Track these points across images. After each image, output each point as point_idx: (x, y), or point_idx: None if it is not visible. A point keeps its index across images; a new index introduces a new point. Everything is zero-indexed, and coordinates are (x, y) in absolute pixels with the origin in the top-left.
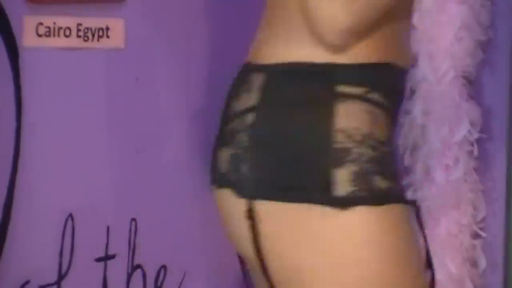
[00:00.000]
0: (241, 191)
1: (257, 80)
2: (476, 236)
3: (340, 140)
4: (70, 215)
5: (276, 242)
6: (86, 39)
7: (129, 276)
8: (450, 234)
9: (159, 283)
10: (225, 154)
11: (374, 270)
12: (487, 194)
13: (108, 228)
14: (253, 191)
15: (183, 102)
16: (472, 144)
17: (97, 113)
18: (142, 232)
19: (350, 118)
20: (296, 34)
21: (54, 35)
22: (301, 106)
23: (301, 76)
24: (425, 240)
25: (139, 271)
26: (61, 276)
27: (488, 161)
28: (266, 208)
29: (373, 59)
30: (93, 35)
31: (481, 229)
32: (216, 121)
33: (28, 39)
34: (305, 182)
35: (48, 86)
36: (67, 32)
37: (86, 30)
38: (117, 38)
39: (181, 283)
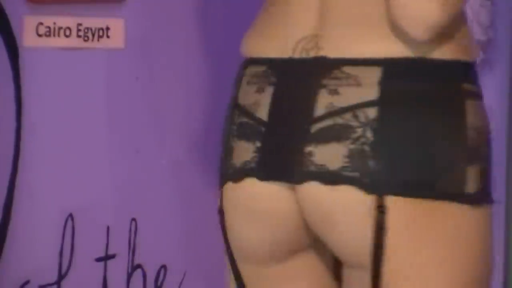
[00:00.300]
0: (370, 187)
1: (371, 74)
2: None
3: (473, 138)
4: (70, 215)
5: (403, 238)
6: (86, 39)
7: (129, 276)
8: None
9: (159, 283)
10: (334, 151)
11: (486, 268)
12: None
13: (108, 228)
14: (384, 186)
15: (183, 102)
16: None
17: (97, 113)
18: (142, 232)
19: (478, 116)
20: (393, 29)
21: (54, 35)
22: (429, 102)
23: (427, 72)
24: None
25: (139, 271)
26: (61, 276)
27: None
28: (396, 204)
29: (467, 57)
30: (93, 35)
31: None
32: (216, 121)
33: (28, 39)
34: (439, 179)
35: (48, 86)
36: (67, 32)
37: (86, 30)
38: (117, 38)
39: (181, 283)
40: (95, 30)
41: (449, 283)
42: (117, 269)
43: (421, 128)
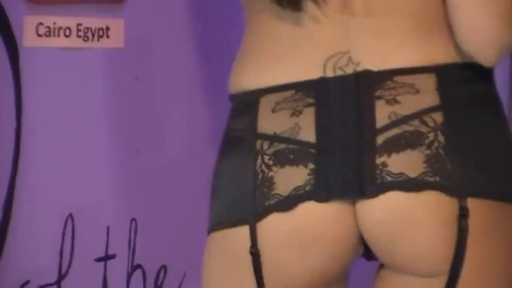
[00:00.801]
0: (453, 190)
1: (426, 81)
2: None
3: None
4: (70, 215)
5: (485, 242)
6: (86, 39)
7: (129, 276)
8: None
9: (159, 283)
10: (409, 158)
11: None
12: None
13: (108, 228)
14: (466, 188)
15: (183, 102)
16: None
17: (97, 113)
18: (142, 232)
19: (505, 117)
20: (439, 36)
21: (54, 35)
22: (485, 105)
23: (468, 76)
24: None
25: (139, 271)
26: (61, 276)
27: None
28: (478, 207)
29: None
30: (93, 35)
31: None
32: (216, 120)
33: (28, 39)
34: (505, 181)
35: (48, 86)
36: (67, 32)
37: (86, 30)
38: (117, 38)
39: (181, 283)
40: (95, 30)
41: None
42: (117, 269)
43: (483, 131)
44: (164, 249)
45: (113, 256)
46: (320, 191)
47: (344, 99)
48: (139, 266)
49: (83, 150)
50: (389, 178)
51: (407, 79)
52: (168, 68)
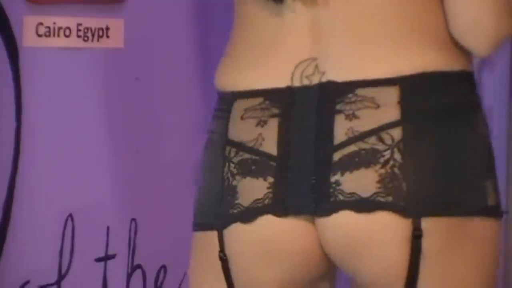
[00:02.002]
0: (406, 211)
1: (389, 94)
2: None
3: (486, 148)
4: (70, 215)
5: (440, 259)
6: (86, 39)
7: (129, 276)
8: None
9: (159, 283)
10: (363, 177)
11: (496, 275)
12: None
13: (108, 228)
14: (420, 209)
15: (183, 102)
16: None
17: (97, 113)
18: (142, 232)
19: (485, 127)
20: (410, 43)
21: (54, 35)
22: (448, 117)
23: (442, 87)
24: None
25: (139, 271)
26: (61, 276)
27: None
28: (432, 225)
29: (470, 67)
30: (93, 35)
31: None
32: None
33: (28, 39)
34: (466, 194)
35: (48, 86)
36: (67, 32)
37: (86, 30)
38: (117, 38)
39: (181, 283)
40: (95, 30)
41: None
42: (117, 269)
43: (445, 144)
44: (164, 249)
45: (113, 256)
46: (277, 206)
47: (306, 112)
48: (139, 266)
49: (83, 150)
50: (341, 197)
51: (369, 92)
52: (168, 68)
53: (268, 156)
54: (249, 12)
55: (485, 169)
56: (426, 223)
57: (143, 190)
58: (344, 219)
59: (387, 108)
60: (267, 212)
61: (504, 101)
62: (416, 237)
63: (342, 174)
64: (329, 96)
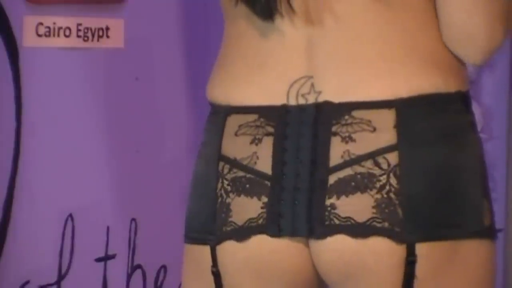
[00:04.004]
0: (401, 237)
1: (385, 117)
2: None
3: (481, 169)
4: (70, 215)
5: (431, 282)
6: (86, 39)
7: (129, 276)
8: None
9: (159, 283)
10: (359, 202)
11: None
12: None
13: (108, 228)
14: (416, 234)
15: (183, 102)
16: None
17: (97, 113)
18: (142, 232)
19: (479, 145)
20: (404, 63)
21: (54, 35)
22: (444, 140)
23: (438, 109)
24: None
25: (139, 271)
26: (61, 276)
27: (488, 161)
28: (426, 250)
29: (466, 87)
30: (93, 35)
31: None
32: None
33: (28, 39)
34: (463, 217)
35: (48, 86)
36: (67, 32)
37: (86, 30)
38: (117, 38)
39: (181, 283)
40: (95, 30)
41: None
42: (117, 269)
43: (442, 166)
44: (164, 249)
45: (113, 256)
46: (271, 226)
47: (302, 133)
48: (139, 266)
49: (83, 150)
50: (336, 221)
51: (365, 114)
52: (168, 68)
53: (263, 175)
54: (241, 26)
55: (480, 189)
56: (421, 249)
57: (143, 190)
58: (339, 243)
59: (384, 131)
60: (261, 232)
61: (504, 101)
62: (410, 262)
63: (338, 198)
64: (325, 117)
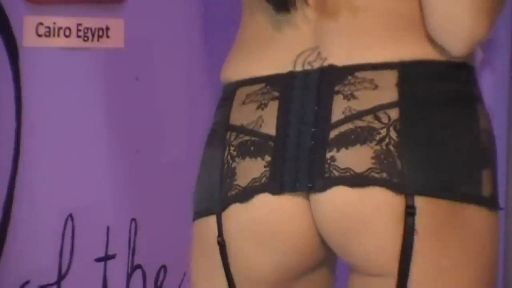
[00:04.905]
0: (399, 187)
1: (387, 77)
2: None
3: (484, 141)
4: (70, 215)
5: (433, 241)
6: (86, 39)
7: (129, 276)
8: None
9: (159, 283)
10: (359, 153)
11: (495, 273)
12: None
13: (108, 228)
14: (414, 186)
15: (183, 102)
16: None
17: (97, 113)
18: (142, 232)
19: (485, 119)
20: (410, 32)
21: (54, 35)
22: (447, 104)
23: (441, 74)
24: None
25: (139, 271)
26: (61, 276)
27: None
28: (425, 205)
29: (471, 61)
30: (93, 35)
31: None
32: None
33: (28, 39)
34: (460, 180)
35: (48, 86)
36: (67, 32)
37: (86, 30)
38: (117, 38)
39: (181, 283)
40: (95, 30)
41: (472, 286)
42: (117, 269)
43: (442, 129)
44: (164, 249)
45: (113, 256)
46: (273, 183)
47: (306, 94)
48: (139, 266)
49: (83, 150)
50: (336, 173)
51: (368, 74)
52: (168, 68)
53: (267, 137)
54: (256, 15)
55: (480, 159)
56: (420, 202)
57: (143, 190)
58: (338, 194)
59: (385, 89)
60: (263, 191)
61: (504, 101)
62: (409, 214)
63: (338, 150)
64: (329, 79)
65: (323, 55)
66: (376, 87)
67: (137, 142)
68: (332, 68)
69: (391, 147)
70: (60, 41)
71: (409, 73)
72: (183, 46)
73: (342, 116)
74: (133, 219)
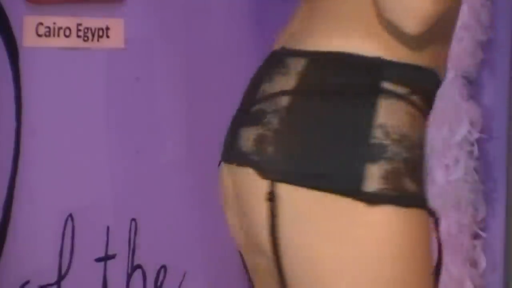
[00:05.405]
0: (264, 172)
1: (296, 64)
2: (476, 236)
3: (378, 136)
4: (70, 215)
5: (295, 228)
6: (86, 39)
7: (129, 276)
8: (450, 234)
9: (159, 283)
10: (249, 134)
11: (390, 270)
12: (487, 194)
13: (108, 228)
14: (277, 173)
15: (183, 102)
16: (472, 144)
17: (97, 113)
18: (142, 232)
19: (391, 116)
20: (343, 25)
21: (54, 35)
22: (342, 96)
23: (345, 67)
24: (439, 249)
25: (139, 271)
26: (61, 276)
27: (488, 161)
28: (288, 192)
29: (419, 62)
30: (93, 35)
31: (481, 229)
32: (216, 120)
33: (28, 39)
34: (336, 172)
35: (48, 86)
36: (67, 32)
37: (86, 30)
38: (117, 38)
39: (181, 283)
40: (95, 30)
41: (341, 277)
42: (117, 269)
43: (326, 121)
44: (164, 249)
45: (113, 256)
46: (222, 153)
47: (259, 72)
48: (139, 266)
49: (83, 150)
50: (234, 150)
51: (292, 60)
52: (168, 68)
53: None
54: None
55: (365, 154)
56: (281, 189)
57: (143, 190)
58: (231, 169)
59: (289, 76)
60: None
61: (504, 101)
62: (269, 199)
63: (242, 129)
64: (271, 60)
65: (286, 37)
66: (286, 73)
67: (137, 142)
68: (277, 51)
69: (269, 133)
70: (60, 41)
71: (316, 62)
72: (183, 46)
73: (259, 96)
74: (133, 219)
